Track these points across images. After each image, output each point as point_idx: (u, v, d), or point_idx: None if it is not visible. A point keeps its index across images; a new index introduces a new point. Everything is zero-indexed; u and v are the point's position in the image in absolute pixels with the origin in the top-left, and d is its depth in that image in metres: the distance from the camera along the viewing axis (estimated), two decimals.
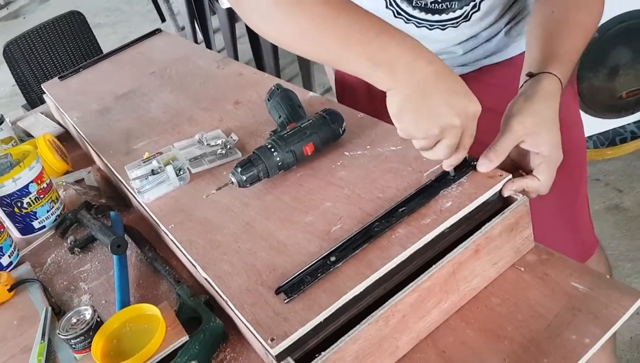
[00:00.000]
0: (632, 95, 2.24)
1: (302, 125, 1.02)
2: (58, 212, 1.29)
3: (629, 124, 2.32)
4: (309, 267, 0.78)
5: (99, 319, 0.90)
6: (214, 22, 4.60)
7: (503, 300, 0.81)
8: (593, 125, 2.32)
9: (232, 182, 0.97)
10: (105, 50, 2.95)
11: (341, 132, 1.04)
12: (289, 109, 1.10)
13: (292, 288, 0.76)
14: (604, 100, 2.26)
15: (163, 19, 5.91)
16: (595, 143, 2.33)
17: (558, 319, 0.77)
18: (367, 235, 0.81)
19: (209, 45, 4.74)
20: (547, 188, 0.86)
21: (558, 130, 0.84)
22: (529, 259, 0.86)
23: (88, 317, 0.90)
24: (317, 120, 1.02)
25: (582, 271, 0.81)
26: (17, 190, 1.21)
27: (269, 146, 0.99)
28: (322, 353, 0.70)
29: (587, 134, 2.34)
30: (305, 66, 3.56)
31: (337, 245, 0.80)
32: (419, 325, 0.78)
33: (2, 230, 1.18)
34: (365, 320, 0.72)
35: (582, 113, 2.25)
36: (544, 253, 0.86)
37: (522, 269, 0.85)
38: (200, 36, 5.08)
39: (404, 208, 0.83)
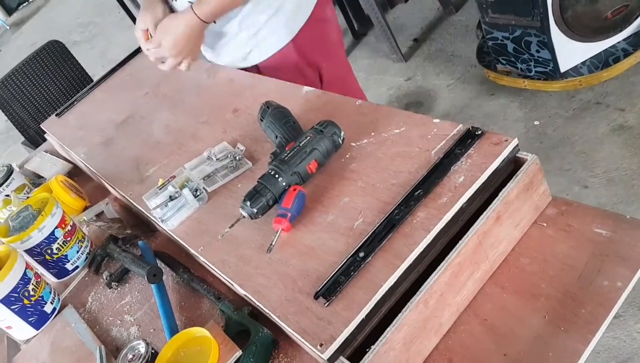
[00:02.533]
0: (617, 13, 2.23)
1: (300, 144, 1.00)
2: (87, 250, 1.33)
3: (619, 43, 2.30)
4: (340, 267, 0.82)
5: (153, 351, 0.94)
6: None
7: (532, 258, 0.84)
8: (584, 50, 2.31)
9: (244, 216, 0.98)
10: (87, 67, 2.97)
11: (341, 141, 1.03)
12: (284, 128, 1.08)
13: (329, 290, 0.80)
14: (591, 24, 2.25)
15: None
16: (590, 68, 2.33)
17: (588, 268, 0.80)
18: (389, 224, 0.83)
19: None
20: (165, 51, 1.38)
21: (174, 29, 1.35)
22: (549, 213, 0.89)
23: (143, 350, 0.94)
24: (314, 136, 1.01)
25: (603, 216, 0.84)
26: (45, 239, 1.24)
27: (272, 173, 0.98)
28: (372, 347, 0.73)
29: (579, 61, 2.34)
30: None
31: (363, 240, 0.83)
32: (457, 299, 0.81)
33: (39, 280, 1.21)
34: (405, 307, 0.75)
35: (571, 41, 2.26)
36: (562, 205, 0.89)
37: (545, 224, 0.87)
38: None
39: (419, 191, 0.86)
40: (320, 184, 0.99)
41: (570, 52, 2.29)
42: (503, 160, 0.85)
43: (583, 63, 2.33)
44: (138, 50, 1.93)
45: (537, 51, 2.29)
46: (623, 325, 1.61)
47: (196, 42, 1.40)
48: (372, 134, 1.03)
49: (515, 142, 0.85)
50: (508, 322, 0.79)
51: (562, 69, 2.32)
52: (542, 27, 2.18)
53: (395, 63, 3.22)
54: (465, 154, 0.87)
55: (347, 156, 1.02)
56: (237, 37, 1.49)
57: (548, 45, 2.23)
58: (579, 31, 2.24)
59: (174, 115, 1.44)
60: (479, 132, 0.88)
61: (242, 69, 1.55)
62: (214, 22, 1.40)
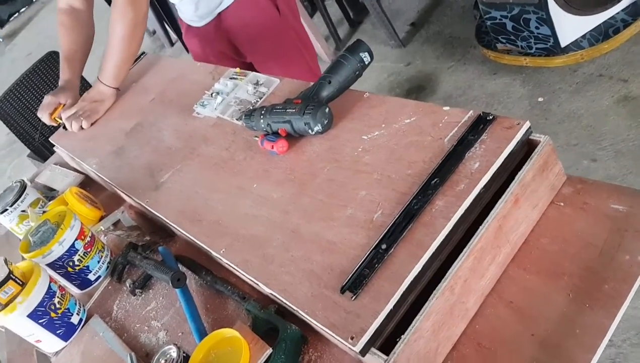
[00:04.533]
0: None
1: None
2: (108, 260, 1.35)
3: (617, 14, 2.30)
4: (364, 260, 0.83)
5: (184, 354, 0.96)
6: None
7: (552, 238, 0.85)
8: (583, 24, 2.31)
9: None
10: (87, 75, 2.98)
11: (366, 62, 1.12)
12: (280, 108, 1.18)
13: (355, 284, 0.81)
14: None
15: None
16: (590, 41, 2.32)
17: (608, 244, 0.81)
18: (409, 215, 0.85)
19: (184, 43, 4.72)
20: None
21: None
22: (565, 192, 0.90)
23: (174, 355, 0.96)
24: (336, 62, 1.12)
25: (618, 192, 0.85)
26: (65, 252, 1.26)
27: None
28: (402, 336, 0.75)
29: (579, 34, 2.34)
30: None
31: (384, 232, 0.84)
32: (481, 283, 0.82)
33: (64, 292, 1.23)
34: (432, 295, 0.77)
35: (570, 15, 2.25)
36: (577, 183, 0.90)
37: (562, 204, 0.89)
38: (174, 36, 5.05)
39: (435, 179, 0.87)
40: (336, 179, 1.00)
41: (570, 26, 2.29)
42: (517, 144, 0.86)
43: (583, 36, 2.33)
44: (139, 58, 1.95)
45: (537, 28, 2.29)
46: None
47: (98, 106, 1.75)
48: (383, 125, 1.04)
49: (527, 124, 0.86)
50: (533, 302, 0.80)
51: (563, 43, 2.32)
52: (540, 4, 2.18)
53: (393, 49, 3.22)
54: (479, 140, 0.88)
55: (360, 149, 1.03)
56: None
57: (547, 21, 2.23)
58: (577, 5, 2.24)
59: (182, 120, 1.45)
60: (491, 117, 0.89)
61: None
62: (118, 89, 1.77)
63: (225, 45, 1.89)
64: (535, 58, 2.44)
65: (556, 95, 2.38)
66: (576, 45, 2.34)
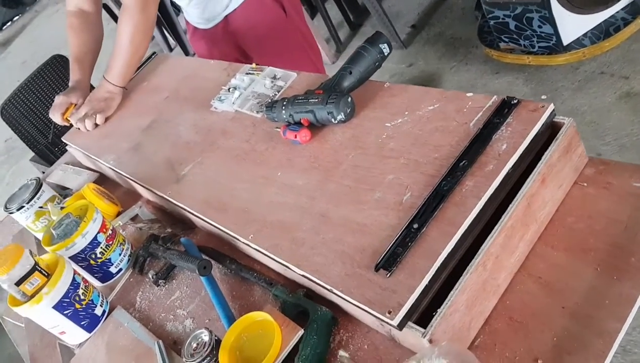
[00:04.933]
0: None
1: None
2: (129, 253, 1.36)
3: (618, 12, 2.35)
4: (397, 239, 0.85)
5: (216, 337, 0.98)
6: (182, 22, 4.58)
7: (577, 217, 0.88)
8: (585, 22, 2.36)
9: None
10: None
11: (385, 53, 1.14)
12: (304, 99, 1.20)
13: (389, 262, 0.83)
14: None
15: None
16: (592, 39, 2.37)
17: (632, 220, 0.84)
18: (439, 195, 0.87)
19: (184, 48, 4.75)
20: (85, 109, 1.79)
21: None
22: (588, 173, 0.93)
23: (206, 338, 0.97)
24: (356, 53, 1.16)
25: None
26: (88, 244, 1.27)
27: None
28: (438, 310, 0.77)
29: (580, 33, 2.38)
30: None
31: (415, 212, 0.87)
32: (512, 260, 0.84)
33: (87, 284, 1.24)
34: (466, 270, 0.79)
35: (572, 14, 2.29)
36: (600, 164, 0.93)
37: (585, 184, 0.91)
38: (172, 42, 5.07)
39: (464, 161, 0.89)
40: (361, 165, 1.02)
41: (572, 24, 2.33)
42: (542, 125, 0.88)
43: (585, 35, 2.38)
44: (150, 58, 1.97)
45: (539, 27, 2.33)
46: None
47: (110, 103, 1.77)
48: (406, 113, 1.06)
49: (551, 107, 0.89)
50: (562, 277, 0.83)
51: (565, 42, 2.36)
52: (542, 3, 2.22)
53: (395, 50, 3.25)
54: (505, 123, 0.90)
55: (384, 136, 1.05)
56: None
57: (550, 20, 2.27)
58: (579, 3, 2.29)
59: (200, 115, 1.47)
60: (515, 101, 0.92)
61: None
62: (125, 88, 1.79)
63: (232, 47, 1.92)
64: (537, 56, 2.48)
65: (559, 93, 2.42)
66: (578, 43, 2.38)
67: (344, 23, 3.70)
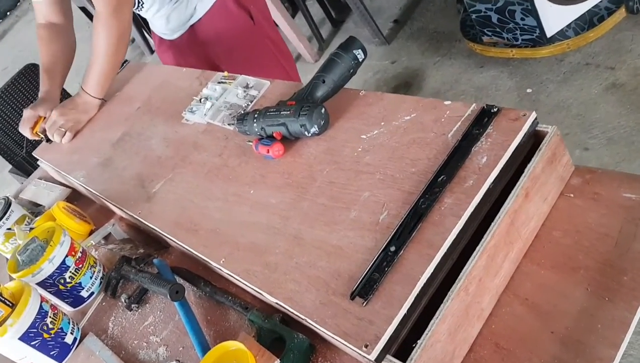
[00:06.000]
0: None
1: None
2: (101, 275, 1.30)
3: (601, 2, 2.30)
4: (373, 264, 0.80)
5: None
6: None
7: (564, 231, 0.83)
8: (568, 13, 2.30)
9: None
10: (66, 86, 2.93)
11: (360, 59, 1.09)
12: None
13: (365, 289, 0.78)
14: None
15: None
16: (575, 30, 2.32)
17: (623, 234, 0.79)
18: (416, 214, 0.82)
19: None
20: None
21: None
22: (574, 183, 0.88)
23: None
24: (329, 60, 1.09)
25: (630, 180, 0.83)
26: (56, 269, 1.21)
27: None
28: (418, 341, 0.72)
29: (564, 24, 2.33)
30: None
31: (392, 234, 0.81)
32: (495, 281, 0.79)
33: (56, 311, 1.18)
34: (447, 297, 0.74)
35: (555, 5, 2.24)
36: (586, 173, 0.88)
37: (572, 195, 0.86)
38: (153, 44, 4.99)
39: (442, 176, 0.84)
40: (336, 181, 0.97)
41: (555, 16, 2.28)
42: (524, 136, 0.83)
43: (568, 26, 2.33)
44: (122, 66, 1.90)
45: (522, 19, 2.28)
46: None
47: (82, 116, 1.70)
48: (382, 123, 1.01)
49: (534, 115, 0.83)
50: (550, 298, 0.78)
51: (549, 34, 2.31)
52: None
53: (378, 47, 3.20)
54: (485, 134, 0.85)
55: (360, 149, 1.00)
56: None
57: (532, 12, 2.22)
58: None
59: (171, 128, 1.41)
60: (495, 110, 0.87)
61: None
62: (104, 100, 1.72)
63: (200, 57, 1.86)
64: (521, 49, 2.43)
65: (544, 86, 2.37)
66: (562, 34, 2.33)
67: (325, 20, 3.64)
